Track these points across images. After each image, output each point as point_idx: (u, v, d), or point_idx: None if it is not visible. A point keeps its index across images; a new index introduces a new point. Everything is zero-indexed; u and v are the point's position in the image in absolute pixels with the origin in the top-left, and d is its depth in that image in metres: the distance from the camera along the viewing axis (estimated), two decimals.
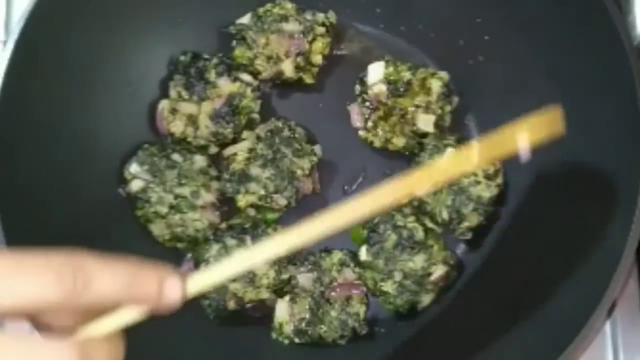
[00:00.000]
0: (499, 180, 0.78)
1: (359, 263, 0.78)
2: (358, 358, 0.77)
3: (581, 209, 0.69)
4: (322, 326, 0.76)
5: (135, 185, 0.77)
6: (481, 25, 0.79)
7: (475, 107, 0.83)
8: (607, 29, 0.64)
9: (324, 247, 0.80)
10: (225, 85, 0.79)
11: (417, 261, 0.75)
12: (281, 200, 0.78)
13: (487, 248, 0.79)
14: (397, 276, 0.75)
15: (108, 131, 0.77)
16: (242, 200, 0.78)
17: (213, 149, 0.81)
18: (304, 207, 0.79)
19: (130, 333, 0.69)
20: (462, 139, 0.80)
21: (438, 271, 0.76)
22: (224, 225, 0.78)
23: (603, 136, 0.67)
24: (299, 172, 0.78)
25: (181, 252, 0.79)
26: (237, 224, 0.78)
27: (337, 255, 0.78)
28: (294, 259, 0.79)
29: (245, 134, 0.80)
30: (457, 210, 0.76)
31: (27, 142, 0.68)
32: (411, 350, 0.76)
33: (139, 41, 0.78)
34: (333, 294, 0.76)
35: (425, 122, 0.79)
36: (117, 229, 0.76)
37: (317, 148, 0.81)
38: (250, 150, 0.79)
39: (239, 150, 0.79)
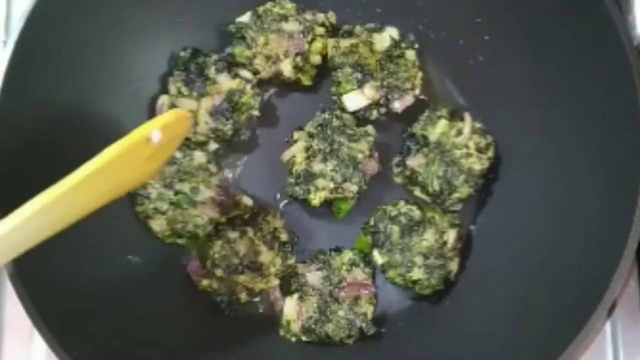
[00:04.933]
0: (490, 153, 0.79)
1: (377, 267, 0.78)
2: (365, 358, 0.77)
3: (580, 209, 0.69)
4: (330, 325, 0.76)
5: None
6: (481, 25, 0.79)
7: (475, 106, 0.82)
8: (607, 29, 0.64)
9: (335, 246, 0.80)
10: (225, 82, 0.79)
11: (429, 237, 0.76)
12: (352, 187, 0.78)
13: (486, 248, 0.79)
14: (419, 260, 0.76)
15: (108, 128, 0.77)
16: (315, 199, 0.78)
17: (213, 145, 0.81)
18: (373, 187, 0.80)
19: (140, 329, 0.70)
20: (454, 112, 0.80)
21: (451, 235, 0.77)
22: (223, 220, 0.78)
23: (603, 135, 0.67)
24: (360, 155, 0.78)
25: (185, 250, 0.79)
26: (236, 216, 0.78)
27: (348, 255, 0.79)
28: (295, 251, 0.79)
29: (295, 134, 0.80)
30: (448, 181, 0.78)
31: (28, 141, 0.68)
32: (417, 350, 0.76)
33: (140, 40, 0.78)
34: (342, 293, 0.77)
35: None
36: (116, 225, 0.76)
37: (370, 128, 0.81)
38: (307, 148, 0.79)
39: (296, 152, 0.79)
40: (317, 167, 0.78)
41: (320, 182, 0.77)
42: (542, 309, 0.68)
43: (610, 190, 0.66)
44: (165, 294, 0.77)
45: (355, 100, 0.80)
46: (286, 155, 0.80)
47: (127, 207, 0.77)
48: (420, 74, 0.82)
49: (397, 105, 0.82)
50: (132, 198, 0.77)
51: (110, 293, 0.71)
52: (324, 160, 0.78)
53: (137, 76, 0.80)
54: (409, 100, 0.82)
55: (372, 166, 0.79)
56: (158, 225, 0.77)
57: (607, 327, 0.76)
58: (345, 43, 0.81)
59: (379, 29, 0.82)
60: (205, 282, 0.76)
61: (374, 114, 0.82)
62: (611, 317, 0.76)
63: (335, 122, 0.79)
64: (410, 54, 0.82)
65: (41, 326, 0.61)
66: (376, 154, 0.80)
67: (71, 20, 0.70)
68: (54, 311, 0.63)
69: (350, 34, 0.82)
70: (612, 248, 0.61)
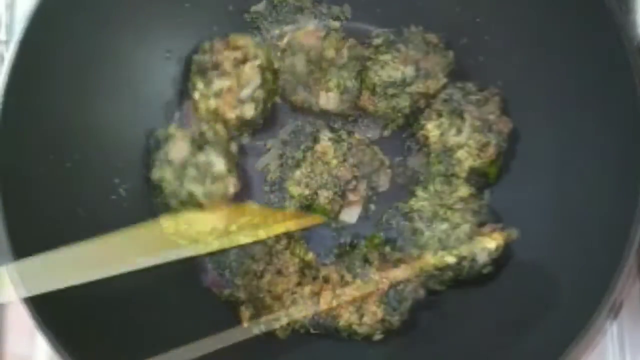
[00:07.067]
0: (490, 153, 0.78)
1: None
2: (375, 354, 0.77)
3: (581, 208, 0.69)
4: (339, 320, 0.75)
5: (156, 173, 0.77)
6: (481, 25, 0.79)
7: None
8: (607, 29, 0.64)
9: (351, 241, 0.80)
10: (242, 73, 0.79)
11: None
12: (326, 193, 0.78)
13: None
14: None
15: (109, 130, 0.77)
16: (290, 206, 0.78)
17: (245, 139, 0.81)
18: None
19: (145, 331, 0.70)
20: (453, 111, 0.79)
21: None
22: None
23: (603, 135, 0.67)
24: (334, 161, 0.78)
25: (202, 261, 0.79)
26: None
27: (362, 251, 0.78)
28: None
29: (269, 142, 0.81)
30: (449, 181, 0.78)
31: (29, 142, 0.68)
32: (422, 347, 0.76)
33: (142, 39, 0.78)
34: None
35: None
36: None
37: (343, 133, 0.81)
38: (281, 156, 0.79)
39: (270, 160, 0.79)
40: (291, 174, 0.78)
41: (294, 189, 0.78)
42: (543, 309, 0.68)
43: (611, 190, 0.66)
44: (171, 297, 0.77)
45: (327, 100, 0.80)
46: (260, 164, 0.80)
47: (132, 208, 0.77)
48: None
49: None
50: (150, 190, 0.77)
51: (115, 295, 0.71)
52: (298, 167, 0.78)
53: (139, 77, 0.80)
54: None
55: (346, 172, 0.79)
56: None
57: (613, 328, 0.75)
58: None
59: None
60: (227, 292, 0.76)
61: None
62: (617, 319, 0.75)
63: (309, 129, 0.79)
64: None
65: (43, 328, 0.61)
66: (351, 160, 0.80)
67: (73, 21, 0.71)
68: (56, 312, 0.63)
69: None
70: (613, 248, 0.61)
